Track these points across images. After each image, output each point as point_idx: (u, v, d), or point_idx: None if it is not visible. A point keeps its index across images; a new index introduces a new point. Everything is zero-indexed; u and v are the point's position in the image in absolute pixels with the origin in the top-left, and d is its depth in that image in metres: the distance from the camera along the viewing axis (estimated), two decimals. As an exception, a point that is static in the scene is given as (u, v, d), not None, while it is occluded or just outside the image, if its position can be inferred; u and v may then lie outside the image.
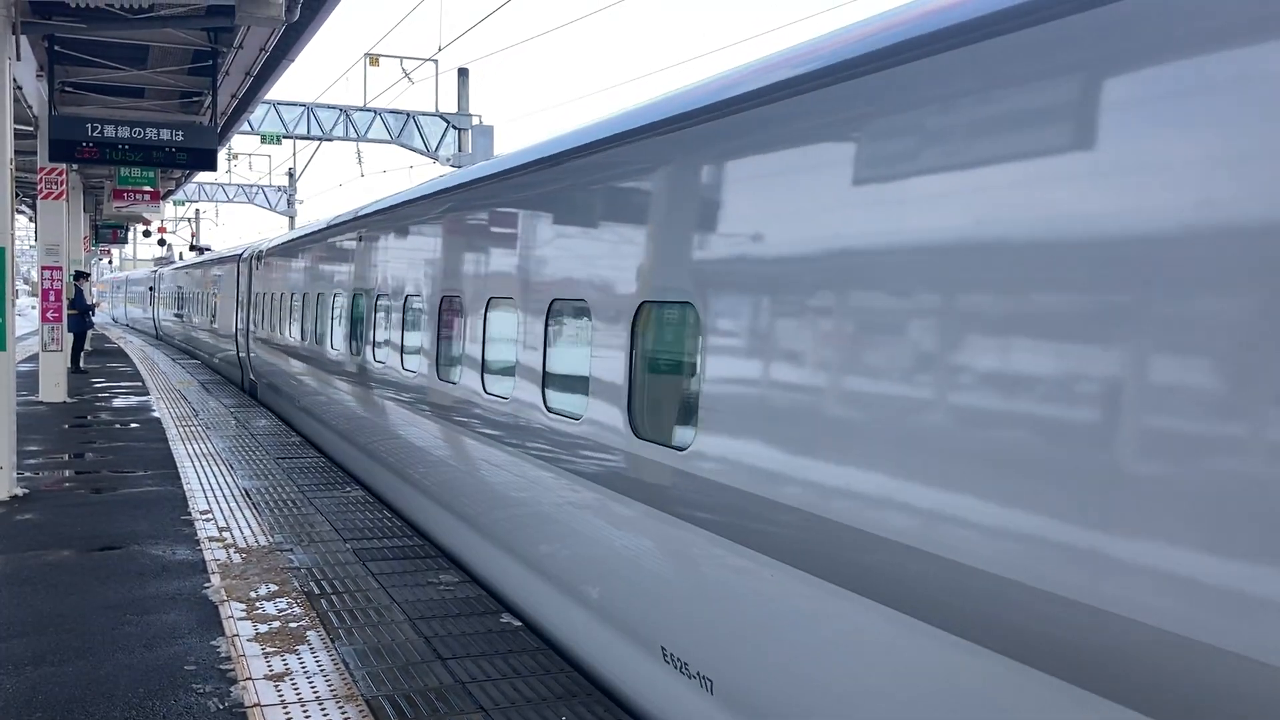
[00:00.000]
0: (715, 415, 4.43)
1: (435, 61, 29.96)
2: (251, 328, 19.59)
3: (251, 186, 48.23)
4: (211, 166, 13.70)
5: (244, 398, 19.03)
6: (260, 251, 19.09)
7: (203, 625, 6.21)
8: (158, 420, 15.49)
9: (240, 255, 21.75)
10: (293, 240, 16.26)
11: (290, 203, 46.67)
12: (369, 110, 30.85)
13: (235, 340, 21.72)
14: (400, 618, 6.36)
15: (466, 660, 5.68)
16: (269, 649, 5.79)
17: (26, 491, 9.97)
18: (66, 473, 11.29)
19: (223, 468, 11.45)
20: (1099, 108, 2.82)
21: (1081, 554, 2.74)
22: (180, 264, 36.37)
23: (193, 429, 14.55)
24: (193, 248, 36.13)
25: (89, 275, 26.02)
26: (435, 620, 6.32)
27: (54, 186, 16.74)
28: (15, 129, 10.10)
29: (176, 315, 35.13)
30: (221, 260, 25.04)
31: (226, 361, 23.48)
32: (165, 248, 45.70)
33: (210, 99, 14.21)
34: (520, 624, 6.29)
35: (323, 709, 5.04)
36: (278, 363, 16.57)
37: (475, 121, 31.04)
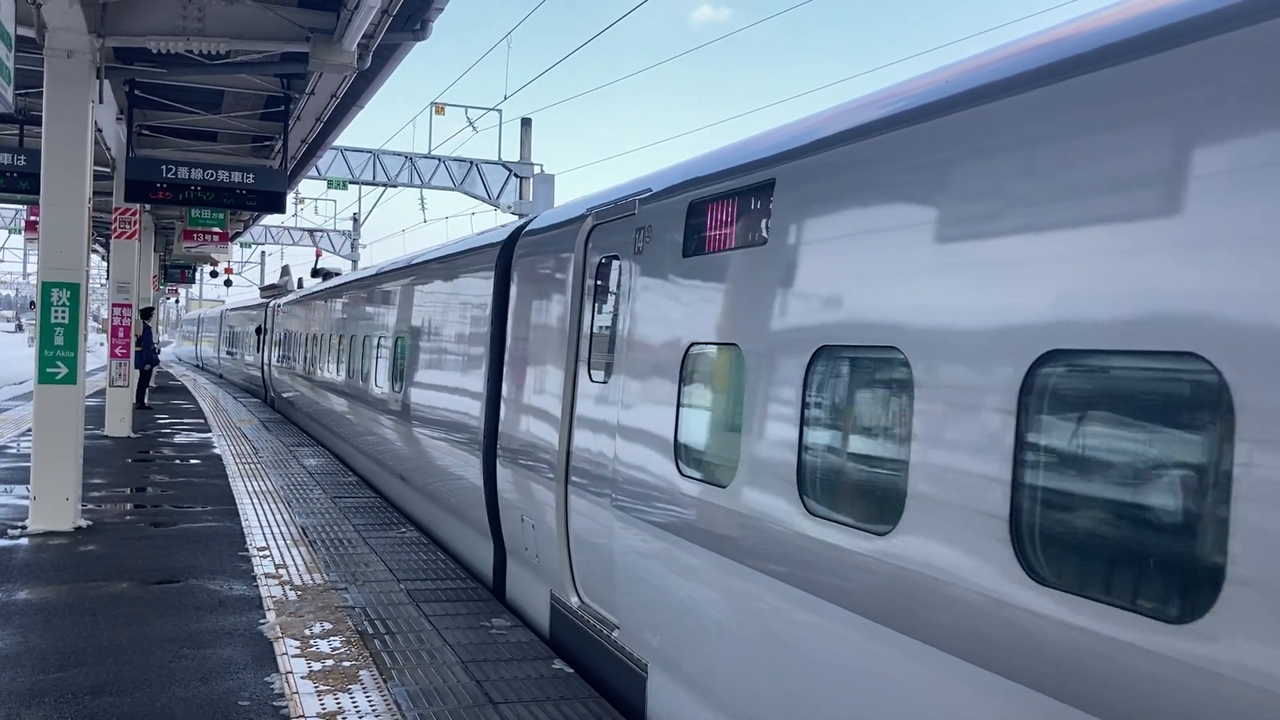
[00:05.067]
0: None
1: (499, 111, 30.49)
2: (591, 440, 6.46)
3: (317, 230, 49.15)
4: (281, 209, 14.01)
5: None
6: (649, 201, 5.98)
7: (257, 661, 6.24)
8: (218, 457, 15.70)
9: (506, 238, 8.67)
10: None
11: (354, 246, 47.46)
12: (433, 158, 31.41)
13: (481, 449, 8.45)
14: (452, 660, 6.34)
15: (518, 705, 5.64)
16: (322, 687, 5.80)
17: (90, 523, 10.14)
18: (128, 506, 11.48)
19: (280, 505, 11.57)
20: None
21: None
22: (329, 284, 20.06)
23: (252, 467, 14.73)
24: (315, 272, 28.83)
25: (153, 310, 26.53)
26: (487, 664, 6.29)
27: (128, 226, 17.21)
28: (93, 170, 10.40)
29: (309, 375, 19.51)
30: (434, 266, 11.06)
31: (461, 516, 9.45)
32: (285, 274, 36.91)
33: (281, 143, 14.55)
34: (572, 670, 6.24)
35: (374, 749, 5.01)
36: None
37: (537, 170, 31.47)
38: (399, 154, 31.59)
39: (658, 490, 5.42)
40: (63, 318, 9.81)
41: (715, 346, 5.08)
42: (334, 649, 6.48)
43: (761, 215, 4.73)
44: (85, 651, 6.34)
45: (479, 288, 9.01)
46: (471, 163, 31.57)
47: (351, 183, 32.06)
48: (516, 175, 31.41)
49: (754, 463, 4.55)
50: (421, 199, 36.30)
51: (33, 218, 24.37)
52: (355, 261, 46.52)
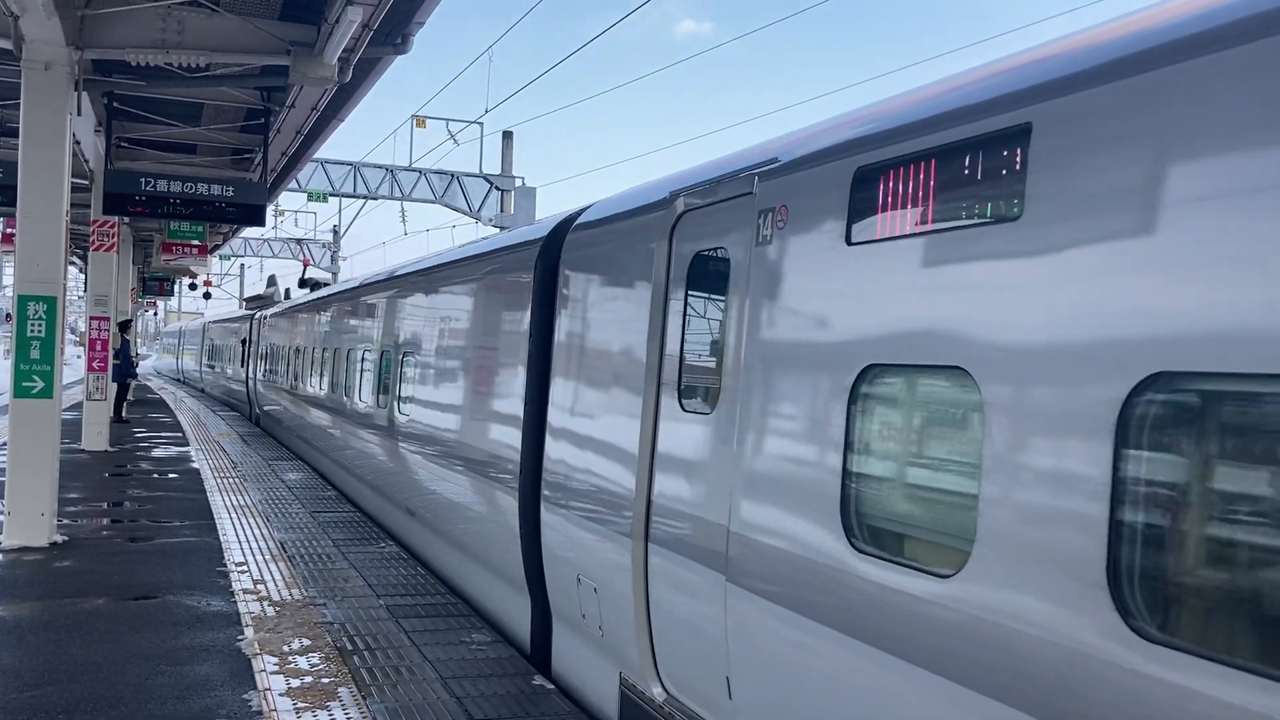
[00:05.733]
0: None
1: (480, 124, 30.42)
2: None
3: (301, 240, 48.99)
4: (260, 222, 13.95)
5: None
6: None
7: (235, 678, 6.18)
8: (196, 471, 15.59)
9: (548, 235, 7.20)
10: None
11: (334, 259, 47.31)
12: (414, 170, 31.35)
13: (517, 486, 7.06)
14: (432, 676, 6.31)
15: (498, 722, 5.61)
16: (301, 704, 5.75)
17: (66, 538, 10.04)
18: (105, 521, 11.38)
19: (259, 520, 11.49)
20: None
21: None
22: (323, 293, 18.22)
23: (231, 481, 14.63)
24: (303, 282, 26.92)
25: (131, 323, 26.32)
26: (467, 680, 6.26)
27: (106, 239, 17.11)
28: (71, 182, 10.34)
29: (301, 393, 17.86)
30: (453, 270, 9.61)
31: (487, 563, 8.03)
32: (272, 284, 33.35)
33: (261, 156, 14.49)
34: (552, 686, 6.22)
35: (352, 767, 4.98)
36: None
37: (518, 183, 31.47)
38: (380, 166, 31.51)
39: (813, 568, 3.89)
40: (39, 331, 9.73)
41: (919, 370, 3.62)
42: (313, 665, 6.43)
43: (1007, 178, 3.26)
44: (60, 669, 6.27)
45: (512, 294, 7.61)
46: (453, 175, 31.54)
47: (332, 195, 31.96)
48: (498, 188, 31.39)
49: (1014, 547, 3.04)
50: (402, 211, 36.24)
51: (9, 230, 24.20)
52: (335, 274, 46.39)
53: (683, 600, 4.88)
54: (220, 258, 48.98)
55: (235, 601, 7.95)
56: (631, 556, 5.35)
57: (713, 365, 4.86)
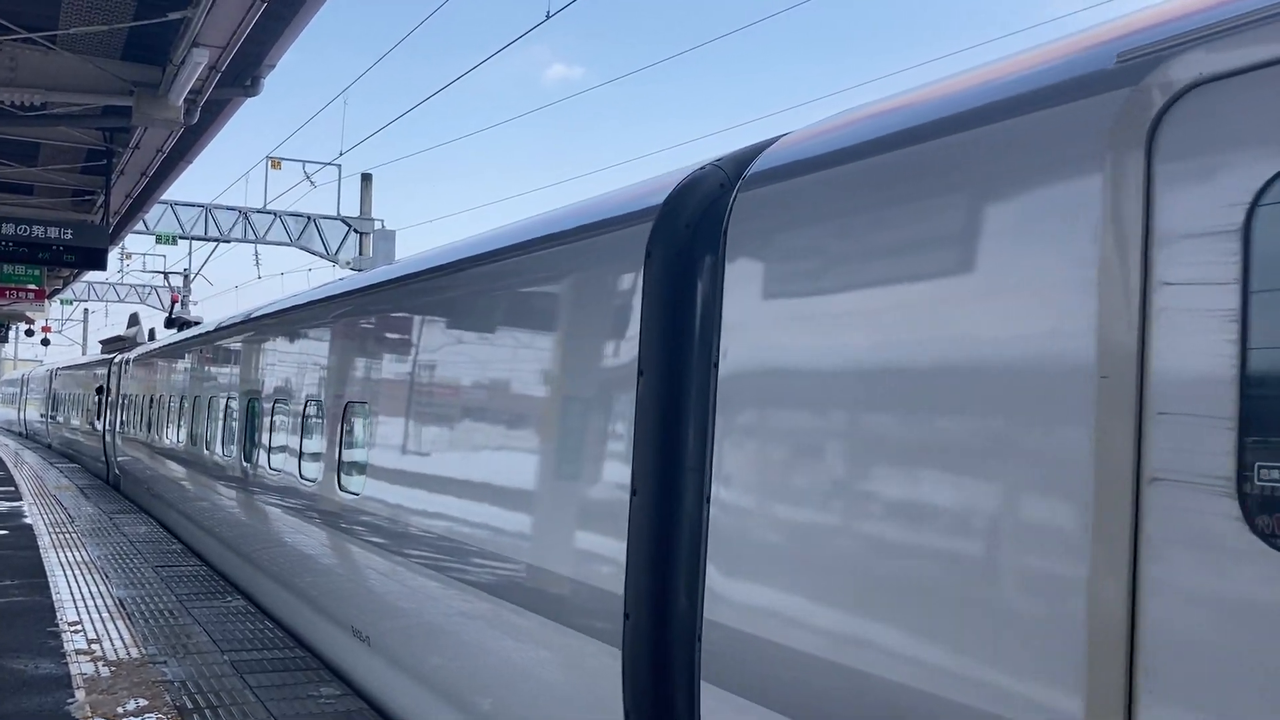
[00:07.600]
0: None
1: (338, 166, 30.02)
2: None
3: (144, 286, 47.26)
4: (101, 266, 13.48)
5: None
6: None
7: (63, 744, 5.89)
8: (29, 526, 14.81)
9: (665, 202, 4.20)
10: None
11: (184, 303, 45.77)
12: (269, 212, 30.69)
13: (622, 639, 4.02)
14: (276, 734, 6.13)
15: (344, 778, 5.48)
16: (134, 768, 5.52)
17: (-120, 602, 9.42)
18: (-74, 582, 10.71)
19: (97, 577, 10.98)
20: None
21: None
22: (224, 324, 13.15)
23: (67, 536, 13.95)
24: (170, 321, 23.79)
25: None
26: (313, 736, 6.10)
27: (-69, 283, 16.23)
28: (-108, 223, 9.82)
29: (173, 451, 14.86)
30: (452, 276, 6.21)
31: None
32: (134, 324, 28.11)
33: (103, 198, 14.02)
34: (402, 739, 6.09)
35: (188, 832, 4.80)
36: None
37: (378, 226, 31.12)
38: (232, 208, 30.76)
39: None
40: None
41: None
42: (149, 727, 6.18)
43: None
44: None
45: (583, 307, 4.70)
46: (309, 218, 31.00)
47: (182, 238, 31.01)
48: (357, 231, 30.99)
49: None
50: (256, 254, 35.35)
51: None
52: (184, 317, 44.87)
53: None
54: (61, 302, 46.87)
55: (67, 663, 7.57)
56: None
57: None
